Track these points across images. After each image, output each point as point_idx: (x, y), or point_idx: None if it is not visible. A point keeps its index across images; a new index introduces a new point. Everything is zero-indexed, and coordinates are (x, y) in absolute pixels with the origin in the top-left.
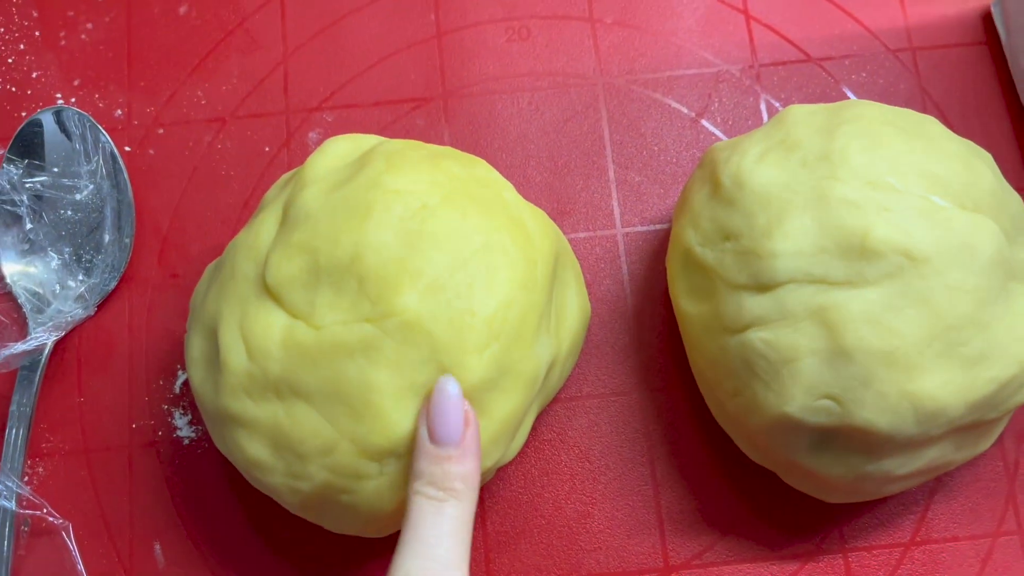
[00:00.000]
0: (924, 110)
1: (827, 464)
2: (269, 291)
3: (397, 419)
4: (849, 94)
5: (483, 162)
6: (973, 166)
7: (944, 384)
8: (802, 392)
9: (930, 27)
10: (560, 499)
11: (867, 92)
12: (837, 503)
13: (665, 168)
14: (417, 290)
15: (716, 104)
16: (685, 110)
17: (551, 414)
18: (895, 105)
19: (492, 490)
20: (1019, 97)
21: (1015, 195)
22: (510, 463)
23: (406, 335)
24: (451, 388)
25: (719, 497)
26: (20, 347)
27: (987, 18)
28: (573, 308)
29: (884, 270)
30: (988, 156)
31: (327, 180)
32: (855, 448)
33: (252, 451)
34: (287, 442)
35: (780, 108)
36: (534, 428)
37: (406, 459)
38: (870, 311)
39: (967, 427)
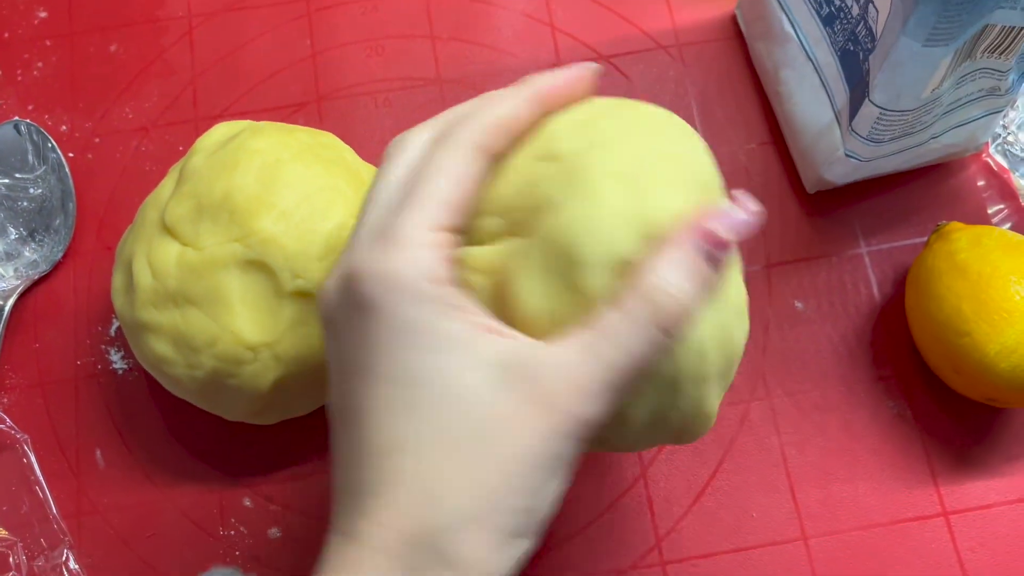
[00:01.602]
0: (688, 93)
1: None
2: (167, 228)
3: (251, 316)
4: (631, 81)
5: (330, 134)
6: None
7: None
8: None
9: (692, 28)
10: None
11: (645, 80)
12: None
13: None
14: (271, 216)
15: None
16: None
17: None
18: (666, 88)
19: None
20: (759, 76)
21: None
22: None
23: (265, 248)
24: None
25: None
26: None
27: (734, 19)
28: None
29: None
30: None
31: (209, 150)
32: None
33: (159, 349)
34: (184, 339)
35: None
36: None
37: (274, 348)
38: None
39: None
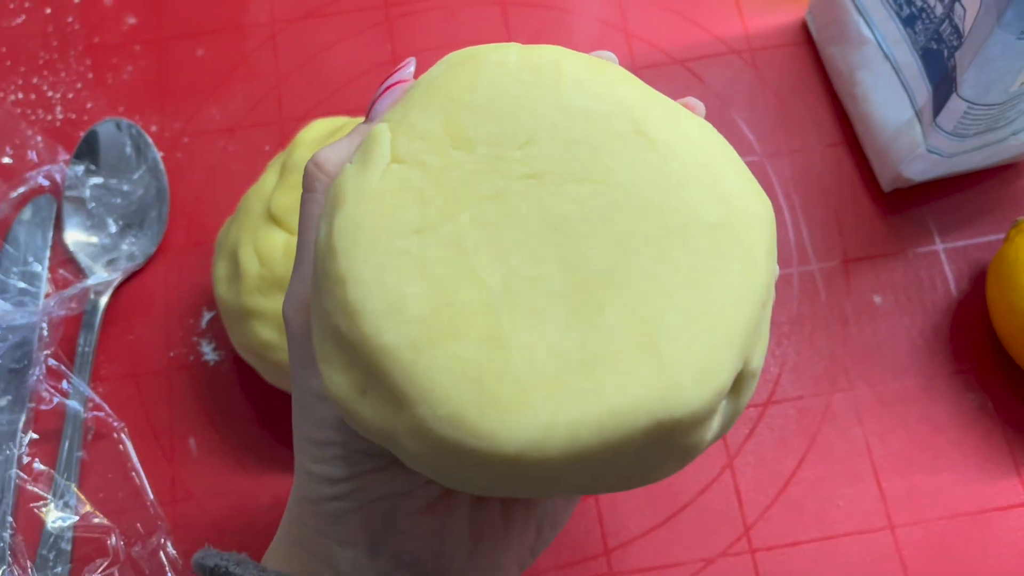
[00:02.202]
0: (763, 95)
1: None
2: (273, 218)
3: None
4: (707, 84)
5: None
6: None
7: None
8: None
9: (763, 33)
10: None
11: (719, 83)
12: None
13: None
14: None
15: None
16: None
17: None
18: (740, 90)
19: None
20: (829, 79)
21: None
22: None
23: None
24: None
25: None
26: (92, 281)
27: (804, 25)
28: None
29: None
30: None
31: (310, 143)
32: None
33: (264, 335)
34: None
35: None
36: None
37: None
38: None
39: None
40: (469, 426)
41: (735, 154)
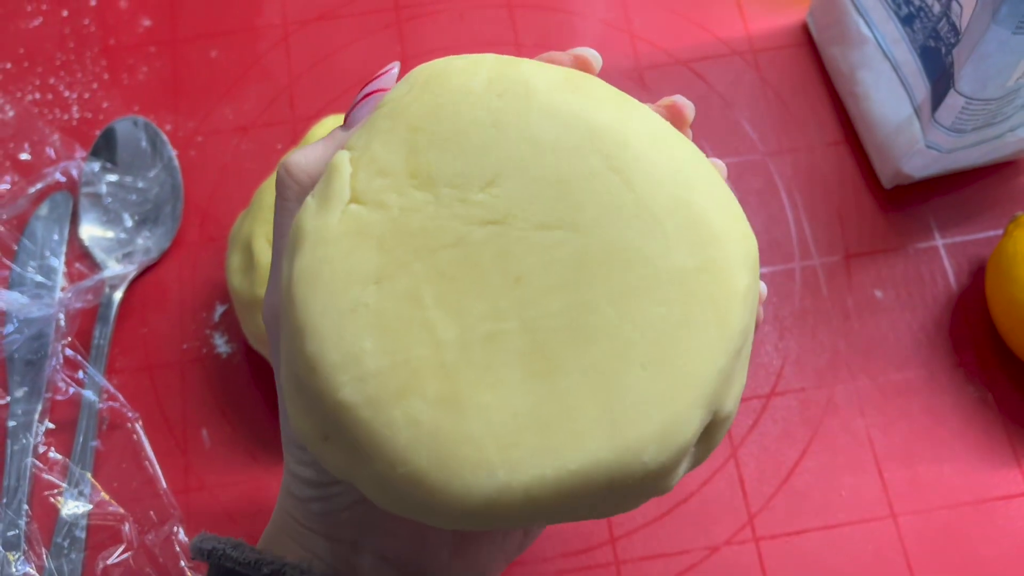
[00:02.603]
0: (765, 95)
1: None
2: None
3: None
4: (710, 84)
5: None
6: None
7: None
8: None
9: (765, 35)
10: None
11: (721, 83)
12: None
13: None
14: None
15: None
16: None
17: None
18: (742, 90)
19: None
20: (830, 78)
21: None
22: None
23: None
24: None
25: None
26: (107, 273)
27: (805, 26)
28: None
29: None
30: None
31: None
32: None
33: None
34: None
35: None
36: None
37: None
38: None
39: None
40: (426, 485)
41: (719, 180)
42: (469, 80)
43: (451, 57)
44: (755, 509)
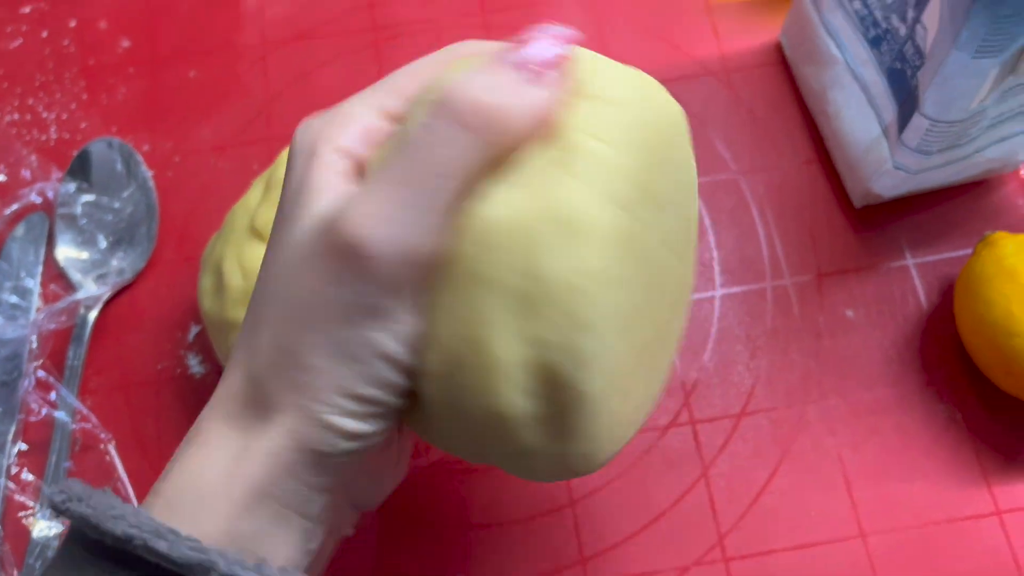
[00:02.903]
0: (738, 114)
1: None
2: (257, 232)
3: None
4: (684, 104)
5: None
6: None
7: None
8: None
9: (738, 55)
10: None
11: (695, 103)
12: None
13: None
14: None
15: None
16: None
17: None
18: (716, 110)
19: None
20: (803, 98)
21: None
22: None
23: None
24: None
25: None
26: (82, 294)
27: (778, 46)
28: None
29: None
30: None
31: None
32: None
33: None
34: None
35: None
36: None
37: None
38: None
39: None
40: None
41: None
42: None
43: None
44: (725, 529)
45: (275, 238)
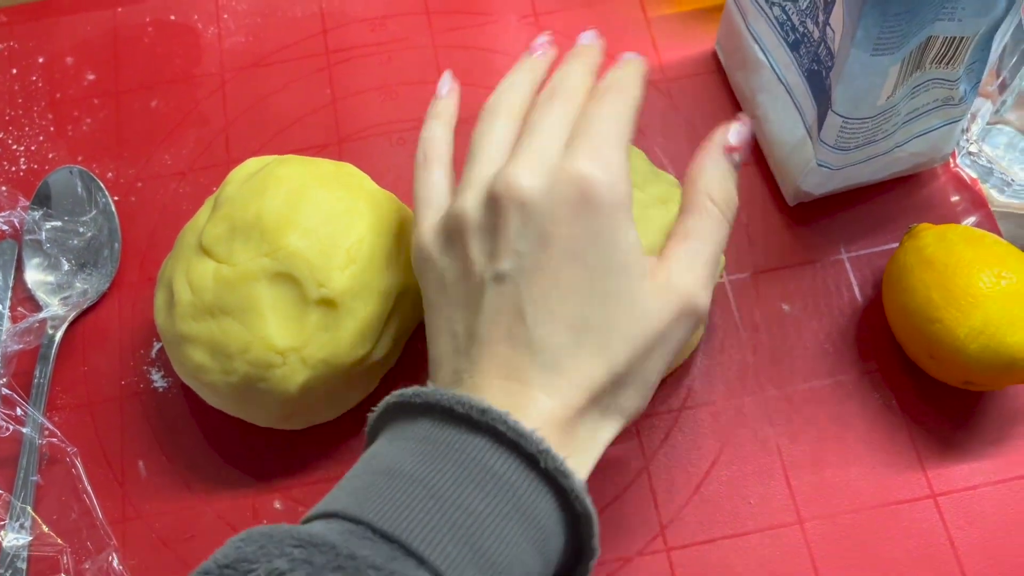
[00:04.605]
0: (676, 121)
1: None
2: (204, 249)
3: (280, 323)
4: None
5: (349, 164)
6: None
7: None
8: None
9: (676, 64)
10: None
11: None
12: None
13: None
14: (297, 233)
15: None
16: None
17: None
18: (655, 118)
19: None
20: (738, 102)
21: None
22: None
23: (291, 262)
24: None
25: None
26: (46, 314)
27: (714, 54)
28: None
29: None
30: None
31: (240, 180)
32: None
33: (197, 358)
34: (219, 347)
35: None
36: None
37: (301, 352)
38: None
39: None
40: None
41: None
42: None
43: None
44: (666, 520)
45: (618, 286)
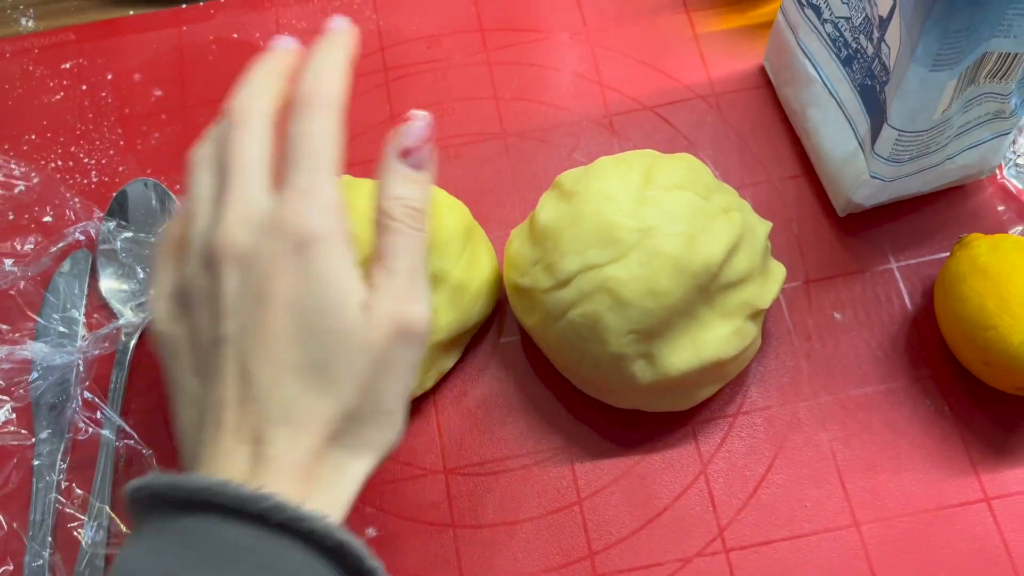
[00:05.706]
0: (727, 135)
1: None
2: None
3: None
4: (675, 127)
5: None
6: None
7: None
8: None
9: (725, 79)
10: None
11: (687, 126)
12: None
13: None
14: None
15: (584, 143)
16: (565, 149)
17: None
18: (706, 132)
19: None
20: (786, 117)
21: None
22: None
23: None
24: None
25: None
26: (121, 321)
27: (762, 69)
28: (483, 265)
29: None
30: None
31: None
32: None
33: None
34: None
35: (628, 144)
36: None
37: None
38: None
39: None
40: None
41: None
42: None
43: None
44: (724, 522)
45: (335, 323)
